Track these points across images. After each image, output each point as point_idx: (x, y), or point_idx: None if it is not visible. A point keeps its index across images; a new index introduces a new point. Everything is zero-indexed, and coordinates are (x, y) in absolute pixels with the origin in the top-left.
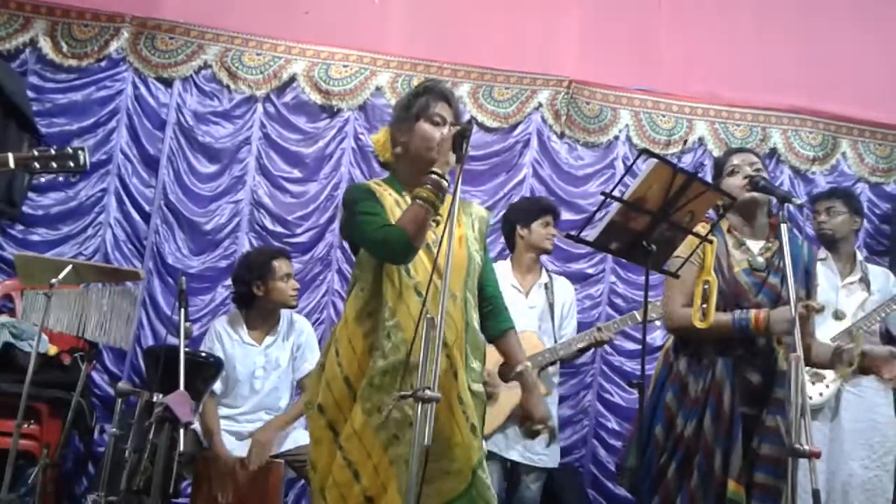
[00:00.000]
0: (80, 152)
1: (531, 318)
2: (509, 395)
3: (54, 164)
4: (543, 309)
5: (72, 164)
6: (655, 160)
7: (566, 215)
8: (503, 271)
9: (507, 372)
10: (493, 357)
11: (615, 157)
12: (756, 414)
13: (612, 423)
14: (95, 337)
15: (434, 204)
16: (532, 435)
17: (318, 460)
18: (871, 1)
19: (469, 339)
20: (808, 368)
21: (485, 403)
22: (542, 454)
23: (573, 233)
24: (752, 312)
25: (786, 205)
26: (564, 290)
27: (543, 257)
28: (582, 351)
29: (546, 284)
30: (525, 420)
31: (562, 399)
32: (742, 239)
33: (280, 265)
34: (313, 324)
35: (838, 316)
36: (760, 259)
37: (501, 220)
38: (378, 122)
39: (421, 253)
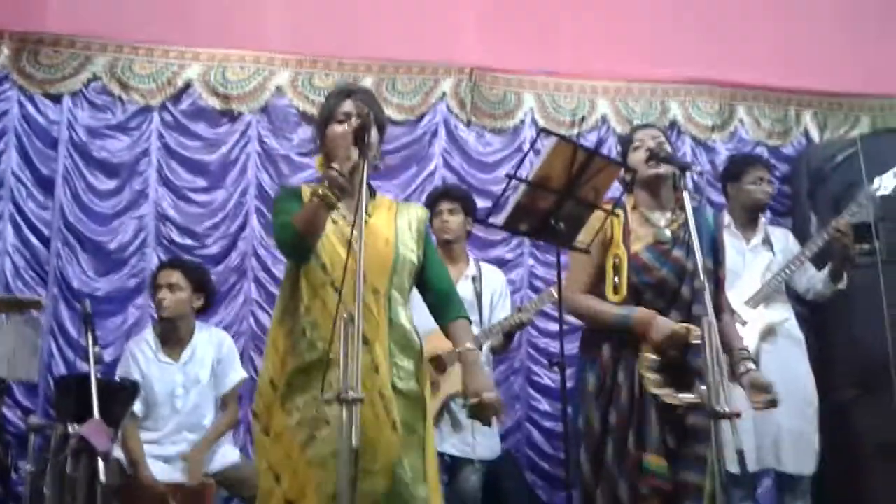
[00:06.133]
0: None
1: None
2: (442, 388)
3: None
4: (471, 301)
5: None
6: (555, 138)
7: (481, 203)
8: None
9: (439, 362)
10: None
11: (523, 141)
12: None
13: (545, 405)
14: (1, 372)
15: (328, 200)
16: (475, 414)
17: (256, 467)
18: None
19: (393, 335)
20: None
21: (420, 401)
22: (478, 446)
23: (480, 217)
24: (637, 312)
25: (688, 174)
26: (494, 279)
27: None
28: (510, 337)
29: (474, 276)
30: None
31: None
32: (648, 214)
33: (160, 276)
34: (233, 335)
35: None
36: (667, 232)
37: None
38: (281, 122)
39: (340, 249)
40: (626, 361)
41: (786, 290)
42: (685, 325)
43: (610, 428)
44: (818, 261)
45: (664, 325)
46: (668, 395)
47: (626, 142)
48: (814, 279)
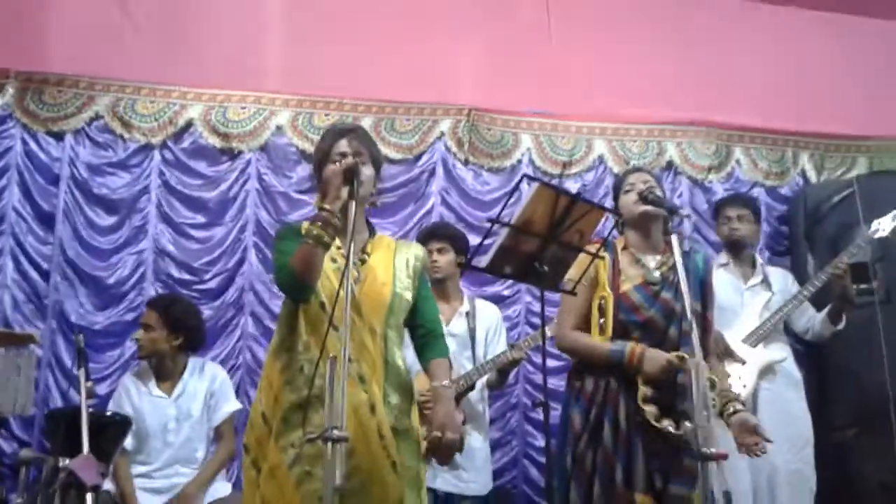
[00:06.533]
0: None
1: (451, 345)
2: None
3: None
4: (464, 337)
5: None
6: (537, 184)
7: (476, 241)
8: None
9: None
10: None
11: (521, 181)
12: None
13: (541, 442)
14: None
15: (321, 240)
16: (433, 450)
17: (246, 500)
18: (749, 14)
19: (388, 375)
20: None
21: (415, 440)
22: (470, 481)
23: (462, 260)
24: (630, 346)
25: (675, 217)
26: (488, 316)
27: (461, 282)
28: (504, 373)
29: (468, 312)
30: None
31: (489, 423)
32: (638, 255)
33: (143, 315)
34: (229, 370)
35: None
36: (657, 274)
37: None
38: (281, 161)
39: (339, 289)
40: (610, 396)
41: (784, 329)
42: (678, 353)
43: (597, 464)
44: (817, 301)
45: (658, 356)
46: (670, 425)
47: (617, 185)
48: (813, 319)
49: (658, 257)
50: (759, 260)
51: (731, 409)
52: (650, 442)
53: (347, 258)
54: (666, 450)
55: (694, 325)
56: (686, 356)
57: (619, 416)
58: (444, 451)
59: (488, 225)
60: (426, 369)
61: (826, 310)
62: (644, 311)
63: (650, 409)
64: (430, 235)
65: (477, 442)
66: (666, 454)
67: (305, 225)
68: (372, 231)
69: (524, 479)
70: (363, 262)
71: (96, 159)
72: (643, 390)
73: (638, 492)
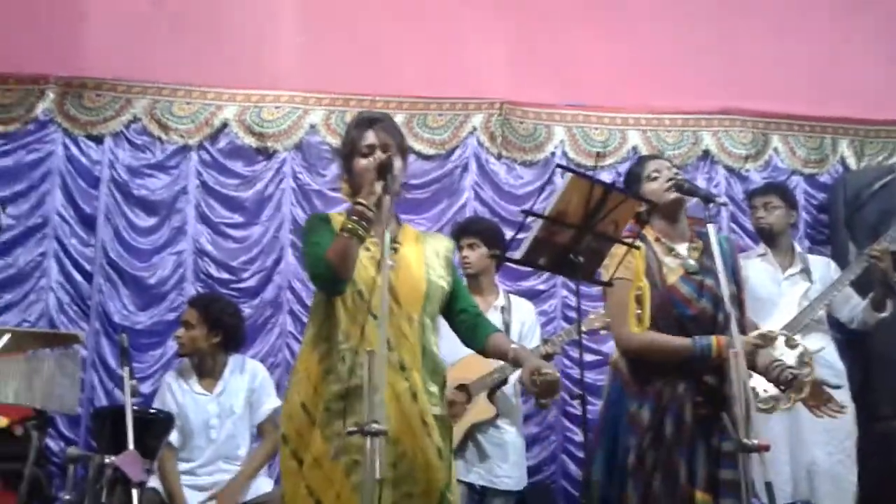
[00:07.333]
0: None
1: None
2: (467, 417)
3: None
4: None
5: None
6: (571, 174)
7: (510, 235)
8: None
9: (466, 391)
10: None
11: (554, 174)
12: (713, 414)
13: (580, 437)
14: (43, 404)
15: (357, 233)
16: (537, 391)
17: (287, 492)
18: (787, 2)
19: (426, 362)
20: None
21: (450, 427)
22: (504, 476)
23: (497, 253)
24: (714, 338)
25: (710, 204)
26: (523, 311)
27: (496, 277)
28: None
29: (503, 307)
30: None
31: (526, 417)
32: (670, 244)
33: (184, 313)
34: (268, 367)
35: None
36: (692, 262)
37: None
38: (315, 159)
39: (375, 275)
40: (677, 395)
41: (827, 319)
42: (760, 333)
43: (658, 462)
44: (862, 289)
45: (747, 340)
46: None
47: (636, 173)
48: (857, 308)
49: (687, 244)
50: (798, 249)
51: (789, 375)
52: (710, 437)
53: (383, 250)
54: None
55: (733, 309)
56: (766, 334)
57: (685, 414)
58: (548, 388)
59: (522, 219)
60: (485, 347)
61: (869, 297)
62: (696, 303)
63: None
64: (461, 232)
65: (510, 436)
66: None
67: (338, 217)
68: (398, 222)
69: (563, 475)
70: (395, 250)
71: (135, 161)
72: (708, 380)
73: (699, 489)
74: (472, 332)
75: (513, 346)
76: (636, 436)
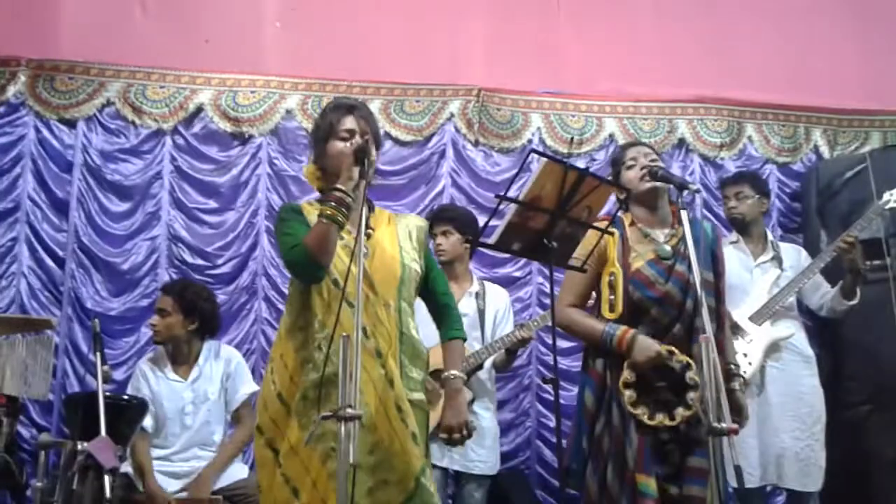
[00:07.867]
0: None
1: None
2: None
3: None
4: (473, 317)
5: None
6: (545, 159)
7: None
8: None
9: (437, 378)
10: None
11: (531, 161)
12: (674, 400)
13: (554, 423)
14: (14, 391)
15: (336, 220)
16: (448, 442)
17: (262, 481)
18: None
19: (405, 348)
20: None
21: (426, 412)
22: (478, 461)
23: (470, 238)
24: (621, 329)
25: (685, 191)
26: (497, 298)
27: (471, 264)
28: (511, 353)
29: (478, 293)
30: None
31: (502, 403)
32: (646, 230)
33: (157, 300)
34: (244, 354)
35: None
36: (667, 247)
37: None
38: (292, 145)
39: (352, 266)
40: (617, 377)
41: (798, 306)
42: (669, 347)
43: (609, 445)
44: (832, 277)
45: (649, 345)
46: (644, 415)
47: (617, 161)
48: (826, 295)
49: (666, 230)
50: (770, 237)
51: (731, 386)
52: (653, 441)
53: (358, 235)
54: (672, 449)
55: (704, 297)
56: (676, 351)
57: (624, 400)
58: (455, 443)
59: (496, 204)
60: (442, 345)
61: (838, 285)
62: (660, 286)
63: (629, 394)
64: (434, 219)
65: (486, 421)
66: (672, 453)
67: (308, 207)
68: (371, 206)
69: (538, 460)
70: (368, 236)
71: (109, 146)
72: (626, 374)
73: (642, 471)
74: (439, 322)
75: (449, 373)
76: (586, 421)
